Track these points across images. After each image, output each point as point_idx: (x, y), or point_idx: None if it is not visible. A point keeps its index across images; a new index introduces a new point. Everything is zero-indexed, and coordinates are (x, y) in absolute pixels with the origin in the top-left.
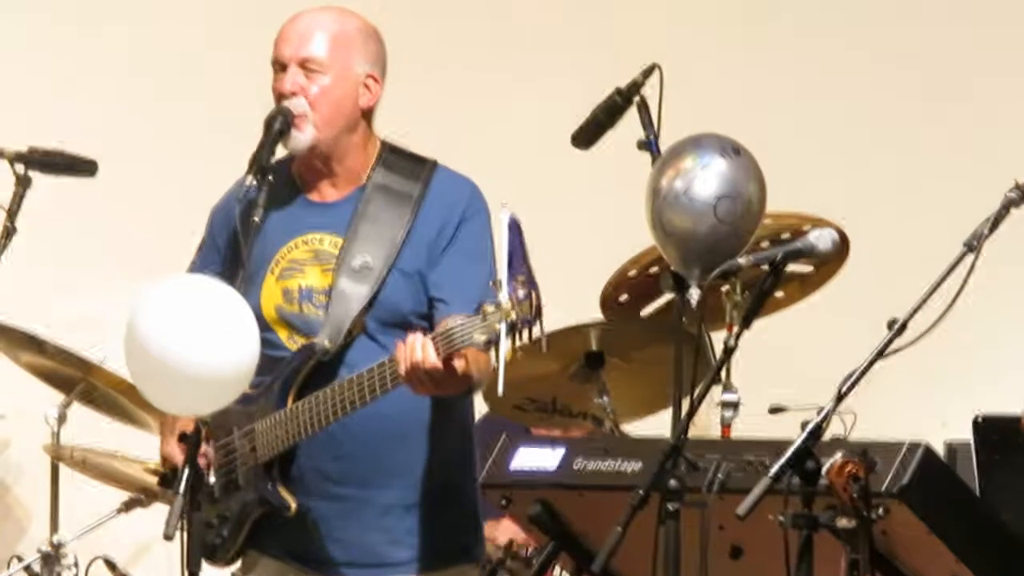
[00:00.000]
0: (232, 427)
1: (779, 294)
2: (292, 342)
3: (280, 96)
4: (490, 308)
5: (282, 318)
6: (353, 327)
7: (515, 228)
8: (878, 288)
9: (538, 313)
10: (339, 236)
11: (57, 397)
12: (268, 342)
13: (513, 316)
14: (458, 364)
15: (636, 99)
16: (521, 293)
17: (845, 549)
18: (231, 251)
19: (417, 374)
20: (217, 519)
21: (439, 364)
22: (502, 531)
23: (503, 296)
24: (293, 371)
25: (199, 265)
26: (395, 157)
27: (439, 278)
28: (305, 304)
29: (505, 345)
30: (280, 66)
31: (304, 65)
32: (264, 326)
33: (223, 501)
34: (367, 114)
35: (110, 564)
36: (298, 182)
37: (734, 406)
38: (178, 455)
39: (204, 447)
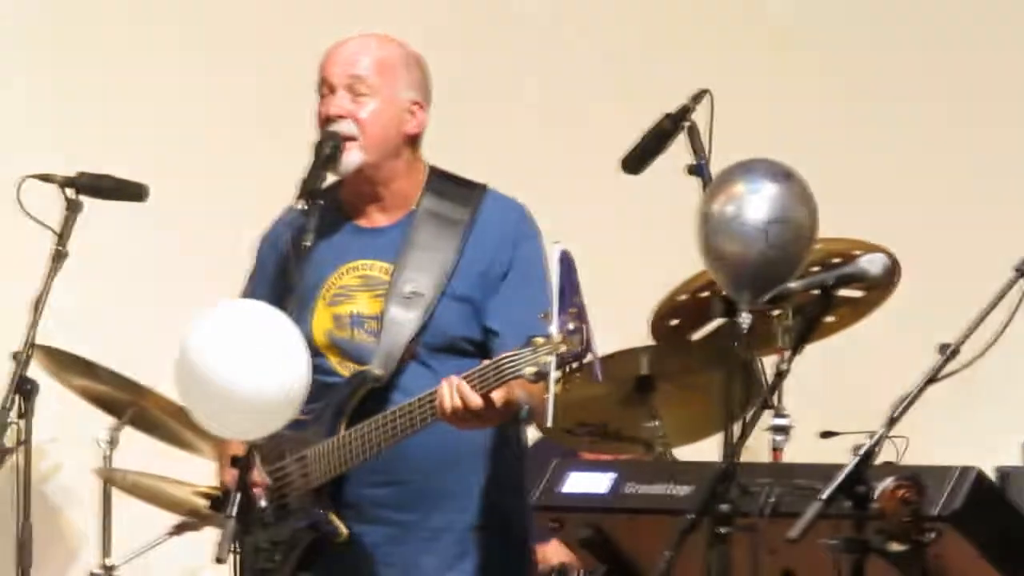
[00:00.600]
0: (284, 452)
1: (830, 319)
2: (343, 368)
3: (327, 119)
4: (540, 340)
5: (333, 344)
6: (404, 354)
7: (567, 262)
8: (929, 313)
9: (587, 347)
10: (388, 262)
11: (108, 421)
12: (319, 368)
13: (563, 349)
14: (496, 396)
15: (686, 124)
16: (571, 326)
17: (897, 574)
18: (280, 278)
19: (457, 416)
20: (269, 544)
21: (478, 402)
22: (552, 552)
23: (553, 329)
24: (345, 398)
25: (249, 293)
26: (444, 182)
27: (495, 308)
28: (356, 330)
29: (554, 377)
30: (327, 89)
31: (351, 88)
32: (315, 352)
33: (275, 526)
34: (412, 140)
35: None
36: (346, 208)
37: (785, 430)
38: (232, 480)
39: (257, 474)
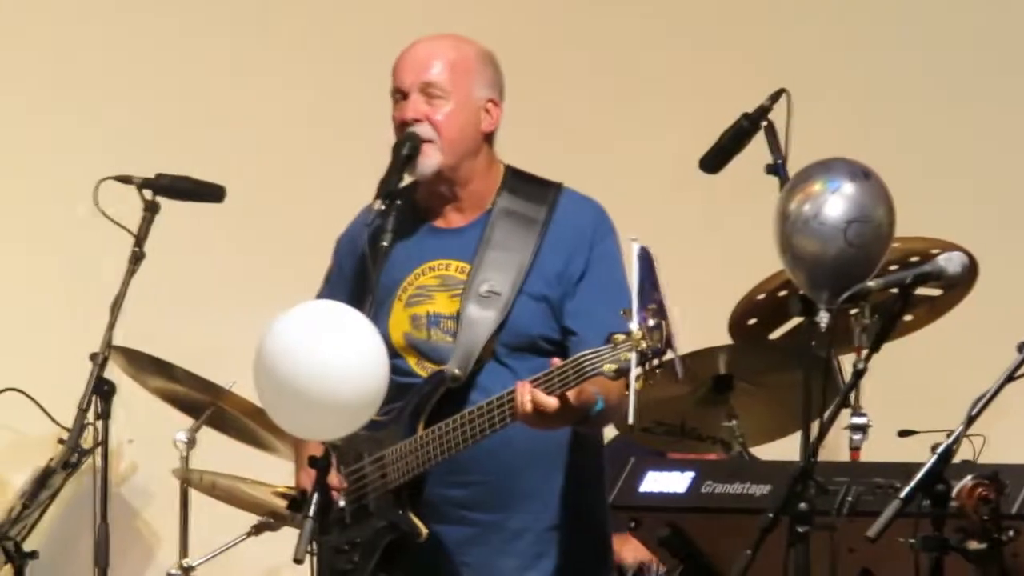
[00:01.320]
0: (362, 453)
1: (908, 317)
2: (421, 368)
3: (402, 123)
4: (620, 337)
5: (410, 345)
6: (482, 353)
7: (646, 258)
8: (1007, 311)
9: (668, 343)
10: (465, 262)
11: (186, 422)
12: (396, 369)
13: (643, 345)
14: (570, 395)
15: (764, 124)
16: (652, 323)
17: (975, 572)
18: (358, 279)
19: (531, 418)
20: (348, 545)
21: (552, 403)
22: (629, 550)
23: (633, 325)
24: (423, 398)
25: (326, 295)
26: (520, 181)
27: (574, 308)
28: (433, 330)
29: (635, 374)
30: (401, 94)
31: (426, 91)
32: (392, 353)
33: (354, 527)
34: (488, 138)
35: None
36: (422, 209)
37: (863, 429)
38: (310, 481)
39: (334, 474)
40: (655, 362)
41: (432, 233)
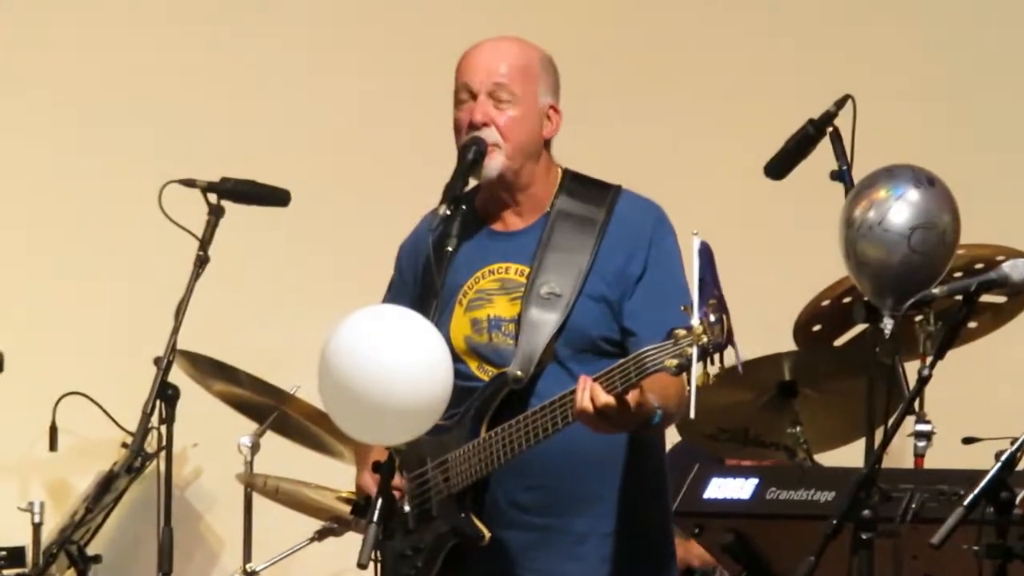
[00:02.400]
0: (425, 458)
1: (972, 324)
2: (482, 372)
3: (469, 126)
4: (681, 332)
5: (472, 349)
6: (544, 356)
7: (706, 253)
8: None
9: (730, 337)
10: (525, 265)
11: (249, 426)
12: (458, 373)
13: (704, 340)
14: (631, 397)
15: (829, 130)
16: (712, 317)
17: None
18: (421, 285)
19: (587, 416)
20: (411, 550)
21: (609, 400)
22: (696, 555)
23: (695, 320)
24: (485, 401)
25: (389, 302)
26: (577, 184)
27: (633, 309)
28: (494, 334)
29: (697, 369)
30: (468, 94)
31: (493, 95)
32: (455, 357)
33: (417, 532)
34: (547, 144)
35: None
36: (481, 214)
37: (927, 436)
38: (372, 485)
39: (398, 479)
40: (716, 357)
41: (491, 237)
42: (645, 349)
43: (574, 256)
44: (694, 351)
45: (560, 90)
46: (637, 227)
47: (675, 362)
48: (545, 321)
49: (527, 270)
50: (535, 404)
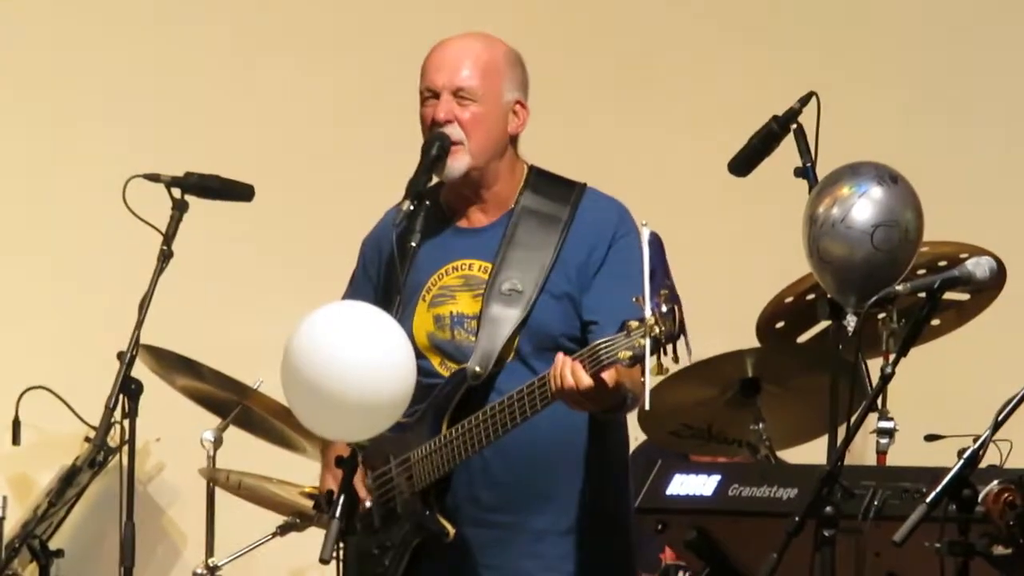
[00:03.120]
0: (388, 455)
1: (936, 322)
2: (445, 368)
3: (432, 123)
4: (634, 324)
5: (434, 345)
6: (504, 352)
7: (656, 244)
8: None
9: (681, 327)
10: (488, 261)
11: (213, 421)
12: (421, 369)
13: (657, 331)
14: (608, 377)
15: (793, 127)
16: (664, 308)
17: None
18: (383, 280)
19: (570, 395)
20: (378, 548)
21: (590, 382)
22: None
23: (647, 311)
24: (445, 398)
25: (350, 297)
26: (543, 181)
27: (592, 302)
28: (457, 330)
29: (650, 361)
30: (431, 93)
31: (457, 93)
32: (416, 354)
33: (384, 530)
34: (514, 140)
35: None
36: (446, 210)
37: (890, 434)
38: (333, 481)
39: (363, 478)
40: (670, 347)
41: (455, 233)
42: (599, 342)
43: (537, 253)
44: (647, 342)
45: (529, 86)
46: (600, 224)
47: (629, 354)
48: (506, 317)
49: (490, 267)
50: (495, 399)
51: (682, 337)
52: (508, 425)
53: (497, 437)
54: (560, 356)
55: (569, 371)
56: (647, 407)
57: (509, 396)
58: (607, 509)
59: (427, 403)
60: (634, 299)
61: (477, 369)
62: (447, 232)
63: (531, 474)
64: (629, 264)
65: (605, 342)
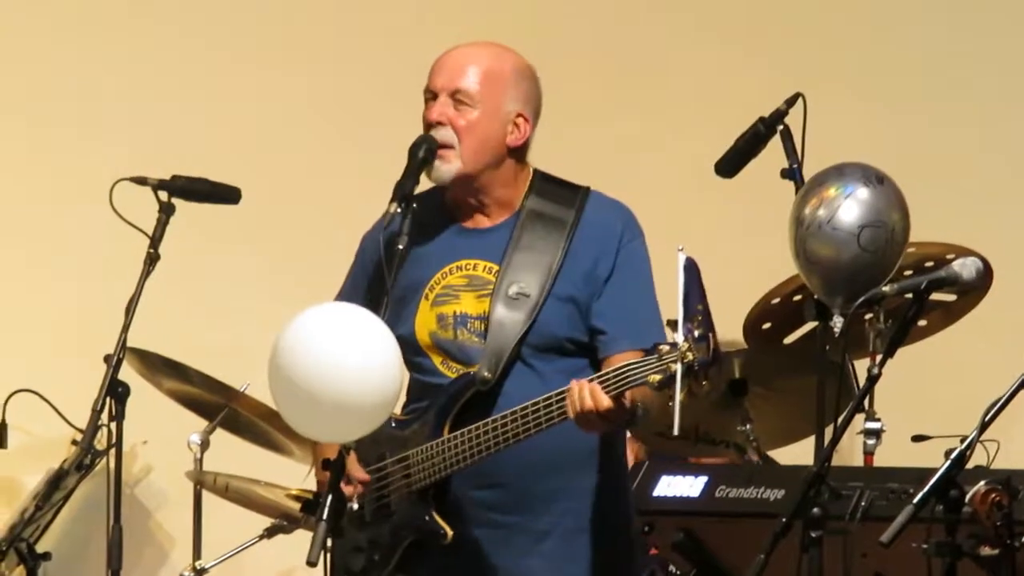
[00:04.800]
0: (384, 452)
1: (922, 322)
2: (446, 367)
3: (428, 125)
4: (665, 348)
5: (436, 344)
6: (511, 356)
7: (692, 269)
8: (1022, 317)
9: (716, 354)
10: (493, 262)
11: (200, 424)
12: (422, 368)
13: (690, 357)
14: (626, 398)
15: (780, 128)
16: (697, 334)
17: None
18: (379, 278)
19: (588, 418)
20: (367, 543)
21: (611, 405)
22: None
23: (679, 336)
24: (450, 399)
25: (348, 290)
26: (548, 184)
27: (601, 308)
28: (460, 330)
29: (681, 386)
30: (431, 95)
31: (454, 96)
32: (418, 351)
33: (374, 525)
34: (516, 152)
35: None
36: (451, 209)
37: (877, 434)
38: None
39: (357, 472)
40: (702, 374)
41: (460, 233)
42: (630, 363)
43: (543, 256)
44: (679, 367)
45: (539, 101)
46: (606, 229)
47: (658, 377)
48: (513, 321)
49: (495, 268)
50: (502, 403)
51: (716, 365)
52: (520, 436)
53: (506, 447)
54: (575, 382)
55: (588, 393)
56: (676, 432)
57: (522, 408)
58: (609, 508)
59: (429, 403)
60: (667, 322)
61: (486, 374)
62: (451, 231)
63: (532, 474)
64: (637, 273)
65: (635, 364)
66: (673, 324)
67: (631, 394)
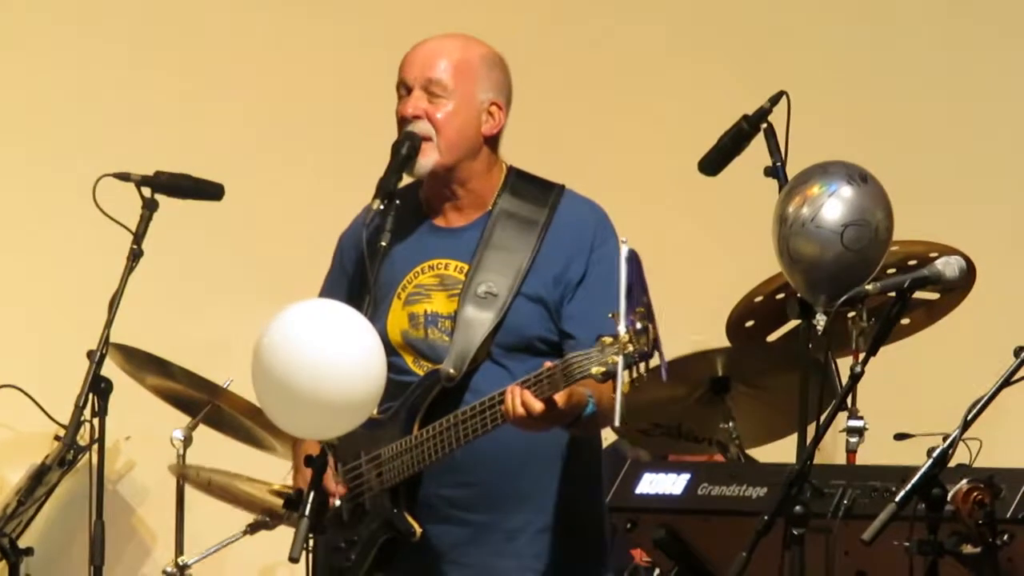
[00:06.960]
0: (359, 451)
1: (905, 321)
2: (418, 366)
3: (403, 119)
4: (608, 340)
5: (408, 343)
6: (478, 354)
7: (634, 261)
8: (1004, 315)
9: (655, 345)
10: (464, 262)
11: (183, 419)
12: (394, 367)
13: (630, 348)
14: (558, 398)
15: (763, 126)
16: (639, 326)
17: None
18: (359, 276)
19: (522, 423)
20: (345, 543)
21: (539, 407)
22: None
23: (621, 328)
24: (418, 398)
25: (328, 290)
26: (522, 182)
27: (571, 312)
28: (431, 329)
29: (622, 377)
30: (405, 89)
31: (428, 89)
32: (390, 351)
33: (351, 525)
34: (491, 141)
35: None
36: (425, 207)
37: (860, 432)
38: (304, 480)
39: (332, 480)
40: (642, 365)
41: (432, 232)
42: (572, 356)
43: (514, 256)
44: (620, 359)
45: (510, 90)
46: (579, 230)
47: (601, 369)
48: (481, 320)
49: (466, 267)
50: (469, 400)
51: (656, 355)
52: (479, 430)
53: (467, 441)
54: (509, 387)
55: (520, 402)
56: (617, 423)
57: (481, 402)
58: (580, 507)
59: (400, 401)
60: (609, 314)
61: (451, 371)
62: (424, 230)
63: (503, 472)
64: (610, 275)
65: (578, 356)
66: (616, 316)
67: (579, 388)
